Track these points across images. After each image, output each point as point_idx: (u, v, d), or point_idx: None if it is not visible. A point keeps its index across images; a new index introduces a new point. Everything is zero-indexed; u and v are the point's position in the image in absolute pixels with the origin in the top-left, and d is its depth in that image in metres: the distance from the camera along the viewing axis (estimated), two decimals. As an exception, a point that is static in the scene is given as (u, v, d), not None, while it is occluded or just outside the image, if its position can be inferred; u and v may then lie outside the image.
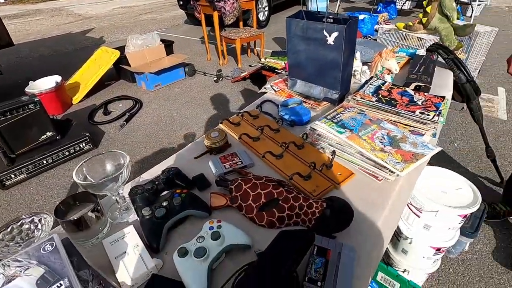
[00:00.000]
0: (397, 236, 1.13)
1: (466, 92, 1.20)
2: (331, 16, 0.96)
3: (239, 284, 0.47)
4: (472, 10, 5.26)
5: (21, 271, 0.41)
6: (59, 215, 0.56)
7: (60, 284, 0.40)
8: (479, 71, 2.41)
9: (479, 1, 5.49)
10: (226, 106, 2.94)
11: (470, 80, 1.18)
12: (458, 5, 5.12)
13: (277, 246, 0.51)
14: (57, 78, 2.91)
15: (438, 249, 1.05)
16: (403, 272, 1.16)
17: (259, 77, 3.18)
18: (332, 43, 0.93)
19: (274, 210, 0.62)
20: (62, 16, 8.10)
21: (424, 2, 1.77)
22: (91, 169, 0.62)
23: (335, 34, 0.90)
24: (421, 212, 1.00)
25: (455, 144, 2.18)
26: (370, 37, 4.39)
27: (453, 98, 1.39)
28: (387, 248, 1.20)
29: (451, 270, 1.34)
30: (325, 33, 0.92)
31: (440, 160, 2.03)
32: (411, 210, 1.03)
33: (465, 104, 1.37)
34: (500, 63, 3.56)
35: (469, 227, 1.28)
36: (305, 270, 0.52)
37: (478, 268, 1.34)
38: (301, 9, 0.98)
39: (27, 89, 2.75)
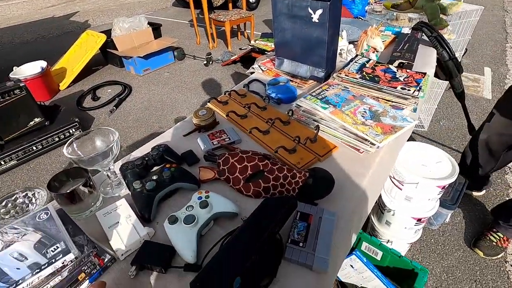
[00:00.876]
0: (381, 209, 1.19)
1: (449, 69, 1.23)
2: (316, -6, 0.97)
3: (227, 246, 0.51)
4: (463, -10, 5.23)
5: (18, 237, 0.44)
6: (52, 190, 0.58)
7: (57, 246, 0.43)
8: (465, 51, 2.45)
9: (469, -20, 5.46)
10: (216, 89, 2.93)
11: (453, 57, 1.21)
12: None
13: (262, 212, 0.55)
14: (42, 63, 2.84)
15: (419, 220, 1.11)
16: (387, 242, 1.22)
17: (249, 60, 3.15)
18: (317, 21, 0.94)
19: (260, 181, 0.65)
20: (43, -1, 7.77)
21: (411, -19, 1.77)
22: (81, 145, 0.63)
23: (319, 12, 0.91)
24: (402, 185, 1.05)
25: (441, 123, 2.24)
26: (361, 18, 4.34)
27: (437, 76, 1.43)
28: (372, 221, 1.27)
29: (432, 240, 1.42)
30: (310, 10, 0.93)
31: (426, 138, 2.09)
32: (394, 183, 1.08)
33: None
34: (488, 43, 3.61)
35: (450, 199, 1.34)
36: (288, 234, 0.56)
37: (458, 238, 1.42)
38: (287, -14, 0.98)
39: (11, 75, 2.68)
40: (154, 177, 0.64)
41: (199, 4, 3.70)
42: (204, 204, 0.57)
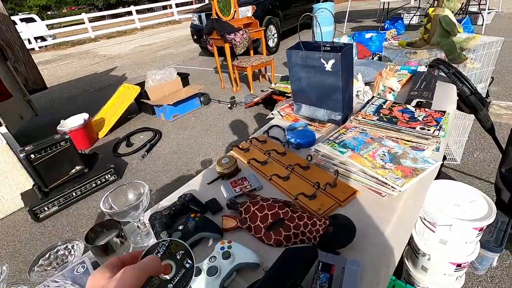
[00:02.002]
0: (415, 253, 1.12)
1: (472, 104, 1.21)
2: (328, 45, 1.04)
3: (248, 299, 0.51)
4: (483, 19, 5.23)
5: (58, 290, 0.48)
6: (89, 241, 0.63)
7: (91, 300, 0.46)
8: (492, 80, 2.39)
9: (489, 9, 5.46)
10: (241, 131, 3.04)
11: (474, 92, 1.19)
12: (467, 16, 5.12)
13: (282, 262, 0.55)
14: (85, 115, 3.16)
15: (459, 265, 1.03)
16: (426, 290, 1.12)
17: (270, 101, 3.29)
18: (330, 69, 1.00)
19: (280, 229, 0.66)
20: (89, 58, 8.83)
21: (424, 20, 1.82)
22: (115, 198, 0.69)
23: (332, 61, 0.97)
24: (435, 227, 0.99)
25: (475, 155, 2.13)
26: (379, 54, 4.44)
27: (462, 110, 1.40)
28: (406, 265, 1.18)
29: (479, 287, 1.27)
30: (323, 61, 0.99)
31: (460, 172, 1.98)
32: (425, 225, 1.03)
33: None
34: (517, 69, 3.48)
35: (493, 241, 1.23)
36: (310, 286, 0.56)
37: (510, 285, 1.27)
38: (299, 40, 1.07)
39: (58, 128, 3.00)
40: (180, 227, 0.68)
41: (222, 53, 4.02)
42: (226, 255, 0.59)
